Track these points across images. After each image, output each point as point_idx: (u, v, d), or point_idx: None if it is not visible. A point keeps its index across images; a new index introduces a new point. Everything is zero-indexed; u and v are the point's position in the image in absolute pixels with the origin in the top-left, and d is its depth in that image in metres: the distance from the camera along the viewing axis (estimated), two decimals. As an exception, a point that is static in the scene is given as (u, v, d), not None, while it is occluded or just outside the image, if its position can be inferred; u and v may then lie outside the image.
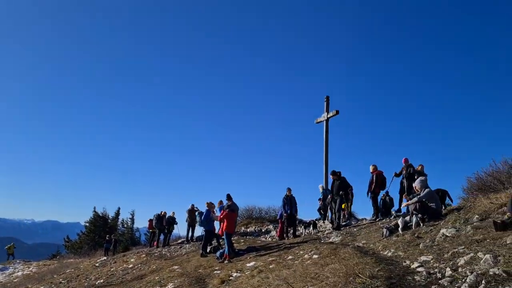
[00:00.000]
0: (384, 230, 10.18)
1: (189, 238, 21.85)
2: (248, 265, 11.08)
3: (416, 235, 8.67)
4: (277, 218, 19.07)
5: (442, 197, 11.56)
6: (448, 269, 5.24)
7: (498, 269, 4.59)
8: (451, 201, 11.88)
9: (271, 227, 21.76)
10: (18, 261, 35.15)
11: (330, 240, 12.51)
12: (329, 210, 16.79)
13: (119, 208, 43.14)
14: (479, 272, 4.70)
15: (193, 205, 21.68)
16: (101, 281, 15.62)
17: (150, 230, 24.41)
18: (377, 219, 14.52)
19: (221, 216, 13.55)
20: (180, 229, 25.24)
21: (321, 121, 20.86)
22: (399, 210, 14.76)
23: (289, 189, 16.31)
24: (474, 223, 7.67)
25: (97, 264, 21.07)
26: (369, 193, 15.17)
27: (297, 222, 17.15)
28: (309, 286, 6.37)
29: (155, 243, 23.20)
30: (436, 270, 5.41)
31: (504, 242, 5.70)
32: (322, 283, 6.13)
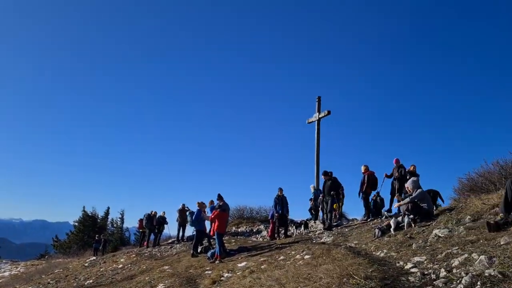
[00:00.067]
0: (376, 230, 10.16)
1: (179, 238, 21.73)
2: (239, 265, 11.01)
3: (408, 235, 8.65)
4: (268, 218, 19.03)
5: (434, 198, 11.58)
6: (442, 270, 5.21)
7: (494, 270, 4.56)
8: (443, 201, 11.91)
9: (262, 227, 21.70)
10: (5, 261, 34.70)
11: (322, 240, 12.47)
12: (320, 210, 16.78)
13: (108, 208, 42.82)
14: (474, 273, 4.67)
15: (184, 204, 21.56)
16: (91, 281, 15.44)
17: (140, 230, 24.24)
18: (369, 220, 14.53)
19: (213, 216, 13.47)
20: (171, 229, 25.11)
21: (312, 121, 20.89)
22: (389, 210, 14.79)
23: (280, 189, 16.27)
24: (467, 224, 7.65)
25: (86, 264, 20.86)
26: (361, 194, 15.19)
27: (288, 222, 17.11)
28: (302, 286, 6.31)
29: (145, 243, 23.04)
30: (430, 271, 5.38)
31: (498, 243, 5.68)
32: (315, 284, 6.07)
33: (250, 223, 23.66)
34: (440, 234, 7.52)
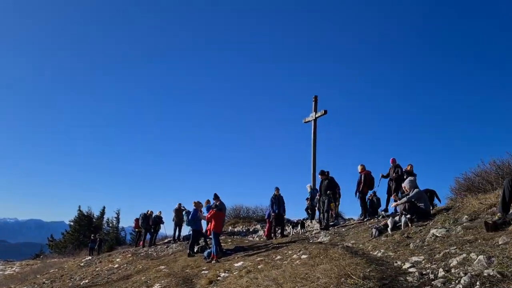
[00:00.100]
0: (373, 230, 10.15)
1: (176, 238, 21.67)
2: (236, 265, 10.97)
3: (405, 235, 8.64)
4: (265, 218, 19.02)
5: (430, 197, 11.59)
6: (440, 270, 5.17)
7: (493, 270, 4.53)
8: (439, 201, 11.92)
9: (258, 226, 21.68)
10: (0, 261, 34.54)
11: (319, 240, 12.45)
12: (317, 210, 16.78)
13: (104, 207, 42.74)
14: (473, 273, 4.64)
15: (180, 204, 21.51)
16: (86, 281, 15.36)
17: (136, 230, 24.15)
18: (365, 219, 14.53)
19: (209, 216, 13.43)
20: (167, 228, 25.05)
21: (309, 121, 20.90)
22: (386, 210, 14.80)
23: (277, 189, 16.25)
24: (464, 224, 7.64)
25: (82, 264, 20.76)
26: (357, 193, 15.19)
27: (285, 221, 17.10)
28: (299, 287, 6.28)
29: (141, 242, 22.96)
30: (428, 271, 5.34)
31: (497, 243, 5.65)
32: (313, 284, 6.03)
33: (247, 222, 23.64)
34: (437, 234, 7.50)
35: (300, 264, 8.41)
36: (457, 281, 4.64)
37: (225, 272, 10.25)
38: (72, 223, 40.14)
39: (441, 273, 5.08)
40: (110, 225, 41.64)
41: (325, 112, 20.22)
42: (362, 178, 15.00)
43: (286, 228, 17.02)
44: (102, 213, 42.27)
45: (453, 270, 5.07)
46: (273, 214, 16.06)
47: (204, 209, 16.29)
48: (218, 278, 9.85)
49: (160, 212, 23.10)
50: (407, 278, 5.31)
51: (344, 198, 16.63)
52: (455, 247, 6.08)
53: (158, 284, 10.82)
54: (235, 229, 22.47)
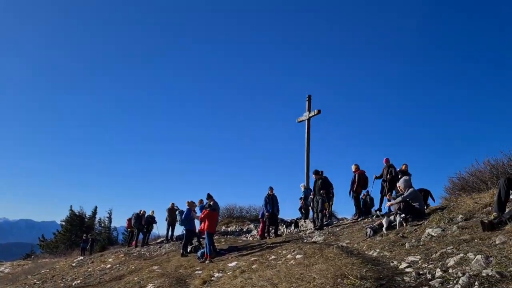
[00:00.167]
0: (368, 230, 10.11)
1: (169, 238, 21.55)
2: (230, 265, 10.90)
3: (400, 235, 8.61)
4: (258, 217, 18.96)
5: (425, 197, 11.58)
6: (438, 269, 5.14)
7: (491, 270, 4.50)
8: (434, 201, 11.91)
9: (252, 226, 21.62)
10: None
11: (313, 239, 12.41)
12: (311, 210, 16.74)
13: (96, 207, 42.48)
14: (471, 273, 4.60)
15: (173, 203, 21.39)
16: (78, 281, 15.20)
17: (129, 230, 23.99)
18: (359, 219, 14.51)
19: (203, 216, 13.35)
20: (160, 228, 24.91)
21: (302, 120, 20.89)
22: (379, 210, 14.80)
23: (271, 188, 16.19)
24: (459, 223, 7.62)
25: (73, 264, 20.57)
26: (351, 193, 15.18)
27: (278, 221, 17.05)
28: (295, 287, 6.22)
29: (134, 242, 22.81)
30: (425, 270, 5.31)
31: (494, 242, 5.63)
32: (309, 284, 5.97)
33: (240, 222, 23.57)
34: (433, 233, 7.48)
35: (295, 264, 8.35)
36: (455, 281, 4.60)
37: (219, 272, 10.17)
38: (63, 223, 39.84)
39: (438, 273, 5.04)
40: (102, 225, 41.40)
41: (319, 111, 20.23)
42: (356, 178, 14.99)
43: (280, 227, 16.97)
44: (94, 213, 42.02)
45: (450, 270, 5.03)
46: (267, 213, 15.99)
47: (197, 209, 16.21)
48: (212, 278, 9.78)
49: (153, 211, 22.97)
50: (404, 278, 5.27)
51: (337, 197, 16.62)
52: (451, 247, 6.05)
53: (151, 284, 10.71)
54: (229, 229, 22.39)
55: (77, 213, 40.45)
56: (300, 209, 19.11)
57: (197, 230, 15.56)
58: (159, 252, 17.97)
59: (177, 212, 20.06)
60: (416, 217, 9.75)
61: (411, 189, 10.36)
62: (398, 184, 11.13)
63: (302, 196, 18.76)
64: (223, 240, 17.84)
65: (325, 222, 15.05)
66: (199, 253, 13.38)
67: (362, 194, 16.28)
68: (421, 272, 5.29)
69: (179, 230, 21.24)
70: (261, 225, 17.17)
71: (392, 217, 10.12)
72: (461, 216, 8.13)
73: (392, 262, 6.30)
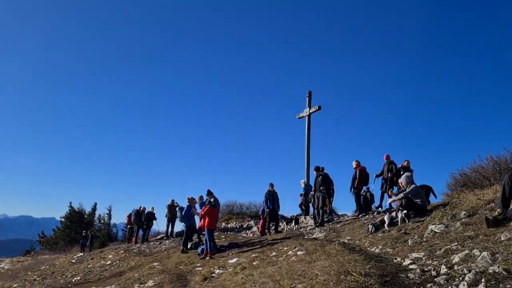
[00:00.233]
0: (370, 226, 10.05)
1: (169, 234, 21.51)
2: (230, 261, 10.86)
3: (403, 231, 8.53)
4: (259, 214, 18.92)
5: (426, 194, 11.51)
6: (443, 266, 5.07)
7: (498, 267, 4.43)
8: (435, 197, 11.83)
9: (252, 222, 21.57)
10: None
11: (314, 236, 12.35)
12: (311, 206, 16.70)
13: (95, 203, 42.40)
14: (478, 270, 4.53)
15: (173, 200, 21.33)
16: (78, 278, 15.15)
17: (129, 226, 23.94)
18: (360, 215, 14.46)
19: (203, 213, 13.30)
20: (159, 224, 24.86)
21: (303, 117, 20.82)
22: (380, 206, 14.75)
23: (271, 185, 16.14)
24: (463, 219, 7.55)
25: (73, 261, 20.53)
26: (352, 189, 15.12)
27: (279, 217, 17.00)
28: (297, 284, 6.15)
29: (134, 239, 22.76)
30: (430, 267, 5.24)
31: (499, 239, 5.56)
32: (311, 281, 5.91)
33: (240, 218, 23.52)
34: (436, 230, 7.41)
35: (297, 260, 8.29)
36: (460, 278, 4.53)
37: (219, 269, 10.13)
38: (63, 220, 39.76)
39: (443, 269, 4.97)
40: (102, 221, 41.34)
41: (319, 107, 20.15)
42: (357, 174, 14.93)
43: (280, 224, 16.93)
44: (94, 209, 41.96)
45: (456, 267, 4.96)
46: (267, 210, 15.94)
47: (197, 205, 16.16)
48: (213, 274, 9.73)
49: (153, 208, 22.91)
50: (409, 275, 5.20)
51: (337, 194, 16.56)
52: (456, 243, 5.98)
53: (151, 280, 10.67)
54: (229, 225, 22.35)
55: (76, 210, 40.38)
56: (300, 205, 19.06)
57: (197, 227, 15.51)
58: (159, 249, 17.92)
59: (177, 209, 20.01)
60: (418, 213, 9.69)
61: (413, 185, 10.30)
62: (400, 180, 11.06)
63: (303, 193, 18.70)
64: (223, 236, 17.79)
65: (326, 219, 15.01)
66: (199, 250, 13.34)
67: (363, 191, 16.23)
68: (425, 269, 5.22)
69: (179, 226, 21.20)
70: (261, 221, 17.13)
71: (394, 214, 10.05)
72: (464, 212, 8.06)
73: (396, 258, 6.23)
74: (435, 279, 4.78)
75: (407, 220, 9.40)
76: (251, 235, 18.37)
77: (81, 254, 23.67)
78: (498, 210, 6.76)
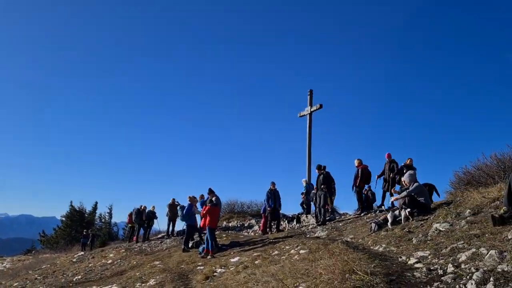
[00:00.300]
0: (373, 224, 9.96)
1: (169, 233, 21.46)
2: (232, 260, 10.79)
3: (406, 229, 8.46)
4: (260, 213, 18.86)
5: (429, 192, 11.41)
6: (449, 265, 4.99)
7: (507, 265, 4.36)
8: (438, 195, 11.73)
9: (253, 221, 21.50)
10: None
11: (316, 234, 12.27)
12: (313, 204, 16.63)
13: (96, 202, 42.27)
14: (486, 269, 4.46)
15: (174, 199, 21.28)
16: (79, 277, 15.10)
17: (129, 225, 23.89)
18: (362, 214, 14.39)
19: (204, 212, 13.24)
20: (160, 223, 24.77)
21: (304, 115, 20.72)
22: (382, 205, 14.66)
23: (273, 183, 16.06)
24: (468, 218, 7.47)
25: (74, 260, 20.49)
26: (354, 187, 15.04)
27: (280, 216, 16.92)
28: (301, 282, 6.08)
29: (135, 238, 22.71)
30: (436, 266, 5.17)
31: (506, 237, 5.48)
32: (315, 280, 5.84)
33: (241, 217, 23.45)
34: (440, 228, 7.33)
35: (299, 259, 8.22)
36: (468, 277, 4.46)
37: (221, 268, 10.07)
38: (63, 219, 39.69)
39: (450, 268, 4.90)
40: (103, 220, 41.26)
41: (321, 106, 20.04)
42: (359, 173, 14.85)
43: (282, 223, 16.86)
44: (95, 208, 41.87)
45: (463, 266, 4.89)
46: (269, 208, 15.86)
47: (198, 204, 16.09)
48: (215, 273, 9.67)
49: (154, 207, 22.85)
50: (415, 273, 5.13)
51: (338, 192, 16.48)
52: (462, 242, 5.90)
53: (153, 279, 10.60)
54: (230, 224, 22.29)
55: (77, 209, 40.30)
56: (301, 204, 18.98)
57: (198, 226, 15.45)
58: (160, 248, 17.86)
59: (178, 208, 19.95)
60: (421, 212, 9.60)
61: (416, 184, 10.20)
62: (403, 179, 10.97)
63: (304, 191, 18.62)
64: (224, 235, 17.72)
65: (328, 217, 14.94)
66: (200, 249, 13.28)
67: (364, 189, 16.15)
68: (432, 268, 5.15)
69: (179, 225, 21.13)
70: (263, 220, 17.05)
71: (397, 212, 9.98)
72: (468, 210, 7.98)
73: (400, 257, 6.16)
74: (442, 278, 4.71)
75: (410, 219, 9.31)
76: (252, 234, 18.30)
77: (82, 253, 23.62)
78: (503, 208, 6.68)
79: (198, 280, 9.46)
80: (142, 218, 22.04)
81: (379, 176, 14.85)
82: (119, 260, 16.40)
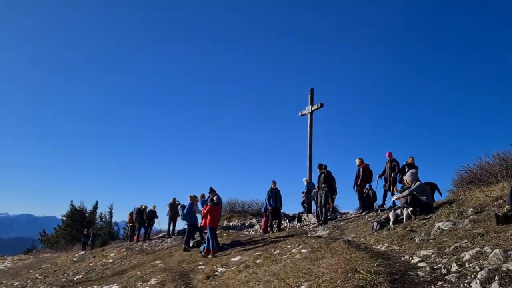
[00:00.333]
0: (374, 223, 9.93)
1: (170, 232, 21.43)
2: (233, 259, 10.77)
3: (408, 228, 8.42)
4: (261, 212, 18.81)
5: (431, 191, 11.35)
6: (453, 264, 4.95)
7: (512, 265, 4.32)
8: (440, 194, 11.68)
9: (254, 220, 21.45)
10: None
11: (317, 234, 12.25)
12: (314, 204, 16.60)
13: (97, 202, 42.27)
14: (490, 267, 4.42)
15: (174, 198, 21.26)
16: (80, 276, 15.07)
17: (130, 224, 23.87)
18: (363, 213, 14.36)
19: (205, 211, 13.20)
20: (161, 223, 24.74)
21: (305, 114, 20.66)
22: (382, 205, 14.63)
23: (274, 182, 16.04)
24: (470, 217, 7.43)
25: (75, 259, 20.47)
26: (355, 186, 15.01)
27: (281, 215, 16.89)
28: (303, 282, 6.05)
29: (135, 237, 22.68)
30: (440, 265, 5.12)
31: (510, 236, 5.44)
32: (317, 279, 5.81)
33: (242, 216, 23.40)
34: (443, 227, 7.29)
35: (301, 258, 8.19)
36: (472, 276, 4.42)
37: (222, 267, 10.04)
38: (64, 218, 39.67)
39: (454, 267, 4.85)
40: (103, 219, 41.24)
41: (322, 105, 19.99)
42: (361, 172, 14.82)
43: (283, 222, 16.82)
44: (95, 207, 41.86)
45: (467, 265, 4.85)
46: (270, 208, 15.83)
47: (199, 203, 16.06)
48: (216, 273, 9.64)
49: (154, 206, 22.82)
50: (418, 272, 5.09)
51: (338, 191, 16.42)
52: (466, 241, 5.86)
53: (154, 279, 10.57)
54: (231, 224, 22.24)
55: (77, 208, 40.30)
56: (302, 203, 18.94)
57: (199, 225, 15.42)
58: (161, 247, 17.83)
59: (179, 207, 19.92)
60: (423, 210, 9.56)
61: (418, 183, 10.15)
62: (405, 178, 10.92)
63: (305, 190, 18.58)
64: (225, 234, 17.69)
65: (329, 217, 14.91)
66: (201, 248, 13.25)
67: (365, 188, 16.10)
68: (435, 267, 5.11)
69: (180, 225, 21.08)
70: (264, 219, 17.01)
71: (398, 211, 9.93)
72: (471, 209, 7.93)
73: (403, 256, 6.12)
74: (446, 277, 4.67)
75: (413, 217, 9.27)
76: (253, 233, 18.27)
77: (83, 252, 23.61)
78: (507, 207, 6.64)
79: (200, 279, 9.43)
80: (143, 218, 22.02)
81: (380, 176, 14.81)
82: (120, 260, 16.38)
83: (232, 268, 9.59)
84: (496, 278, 4.13)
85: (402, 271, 5.25)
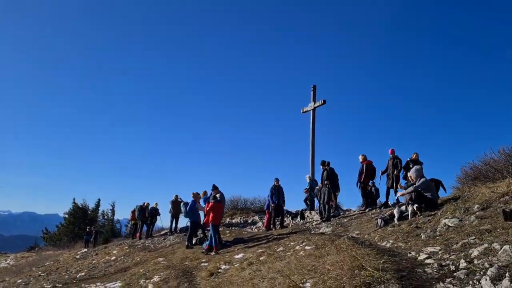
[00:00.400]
0: (379, 220, 9.86)
1: (172, 230, 21.38)
2: (236, 257, 10.71)
3: (414, 225, 8.34)
4: (263, 209, 18.75)
5: (435, 187, 11.27)
6: (462, 260, 4.88)
7: (523, 261, 4.24)
8: (445, 191, 11.61)
9: (257, 218, 21.39)
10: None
11: (321, 231, 12.19)
12: (316, 201, 16.52)
13: (99, 200, 42.26)
14: (500, 264, 4.34)
15: (176, 195, 21.19)
16: (83, 274, 15.03)
17: (132, 222, 23.83)
18: (367, 210, 14.28)
19: (208, 209, 13.14)
20: (163, 220, 24.71)
21: (307, 111, 20.59)
22: (386, 202, 14.54)
23: (277, 179, 15.96)
24: (477, 213, 7.35)
25: (77, 257, 20.43)
26: (359, 183, 14.93)
27: (284, 212, 16.82)
28: (308, 279, 5.99)
29: (138, 234, 22.65)
30: (448, 262, 5.05)
31: (518, 232, 5.38)
32: (323, 276, 5.74)
33: (245, 214, 23.33)
34: (449, 224, 7.21)
35: (305, 255, 8.12)
36: (482, 273, 4.35)
37: (225, 264, 9.99)
38: (66, 216, 39.70)
39: (462, 264, 4.78)
40: (106, 217, 41.25)
41: (324, 102, 19.93)
42: (364, 168, 14.73)
43: (286, 219, 16.75)
44: (97, 205, 41.87)
45: (476, 261, 4.77)
46: (272, 205, 15.76)
47: (201, 201, 16.00)
48: (219, 270, 9.59)
49: (157, 203, 22.77)
50: (426, 269, 5.02)
51: (341, 188, 16.34)
52: (473, 237, 5.78)
53: (157, 276, 10.53)
54: (233, 221, 22.18)
55: (80, 206, 40.32)
56: (305, 200, 18.87)
57: (201, 222, 15.36)
58: (164, 244, 17.79)
59: (181, 204, 19.85)
60: (428, 207, 9.48)
61: (423, 179, 10.07)
62: (409, 174, 10.84)
63: (308, 187, 18.51)
64: (228, 232, 17.62)
65: (332, 213, 14.84)
66: (204, 245, 13.19)
67: (368, 185, 16.02)
68: (443, 264, 5.04)
69: (182, 222, 21.03)
70: (266, 216, 16.95)
71: (403, 208, 9.86)
72: (477, 205, 7.86)
73: (410, 253, 6.05)
74: (454, 273, 4.60)
75: (418, 214, 9.19)
76: (256, 230, 18.22)
77: (85, 250, 23.58)
78: (514, 203, 6.57)
79: (203, 276, 9.38)
80: (145, 215, 21.98)
81: (383, 173, 14.72)
82: (122, 257, 16.34)
83: (236, 265, 9.54)
84: (507, 274, 4.06)
85: (409, 268, 5.18)
